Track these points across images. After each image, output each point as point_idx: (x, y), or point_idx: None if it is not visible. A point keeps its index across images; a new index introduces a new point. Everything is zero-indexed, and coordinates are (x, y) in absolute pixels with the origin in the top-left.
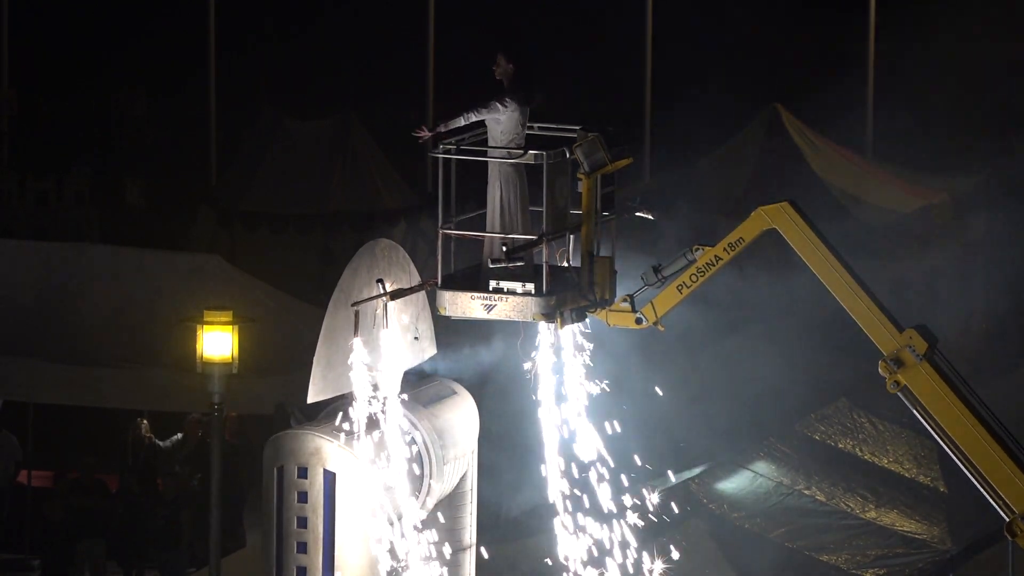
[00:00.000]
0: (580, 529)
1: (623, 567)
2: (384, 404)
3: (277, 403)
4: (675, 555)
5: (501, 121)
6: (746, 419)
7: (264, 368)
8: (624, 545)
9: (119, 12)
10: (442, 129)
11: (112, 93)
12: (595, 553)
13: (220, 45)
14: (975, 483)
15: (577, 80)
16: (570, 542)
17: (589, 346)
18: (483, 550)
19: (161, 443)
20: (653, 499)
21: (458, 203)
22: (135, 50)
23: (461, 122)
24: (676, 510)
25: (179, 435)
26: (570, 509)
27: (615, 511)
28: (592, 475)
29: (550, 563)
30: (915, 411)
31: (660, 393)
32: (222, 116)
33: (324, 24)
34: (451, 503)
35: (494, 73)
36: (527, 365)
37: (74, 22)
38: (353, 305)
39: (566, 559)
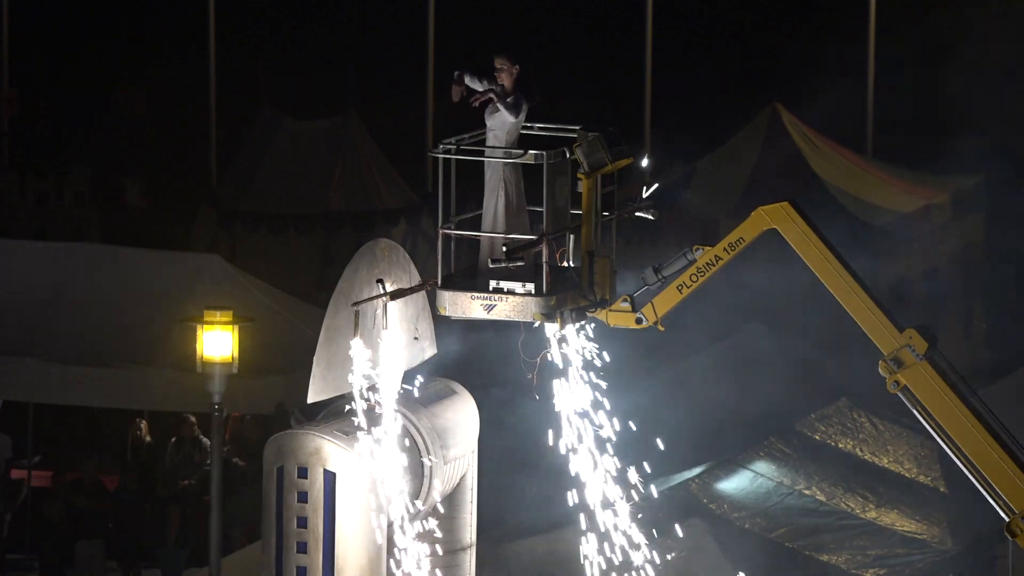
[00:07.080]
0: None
1: (622, 566)
2: (383, 404)
3: (277, 403)
4: (675, 555)
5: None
6: (746, 419)
7: (264, 368)
8: (625, 543)
9: (119, 11)
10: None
11: (112, 92)
12: (595, 552)
13: (220, 45)
14: (975, 483)
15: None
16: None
17: (592, 345)
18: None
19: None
20: (653, 499)
21: (458, 203)
22: (135, 49)
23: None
24: (676, 510)
25: (173, 439)
26: (571, 507)
27: (616, 510)
28: (593, 475)
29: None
30: (915, 411)
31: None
32: (222, 116)
33: (324, 24)
34: (451, 503)
35: (497, 77)
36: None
37: (74, 22)
38: (353, 305)
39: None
